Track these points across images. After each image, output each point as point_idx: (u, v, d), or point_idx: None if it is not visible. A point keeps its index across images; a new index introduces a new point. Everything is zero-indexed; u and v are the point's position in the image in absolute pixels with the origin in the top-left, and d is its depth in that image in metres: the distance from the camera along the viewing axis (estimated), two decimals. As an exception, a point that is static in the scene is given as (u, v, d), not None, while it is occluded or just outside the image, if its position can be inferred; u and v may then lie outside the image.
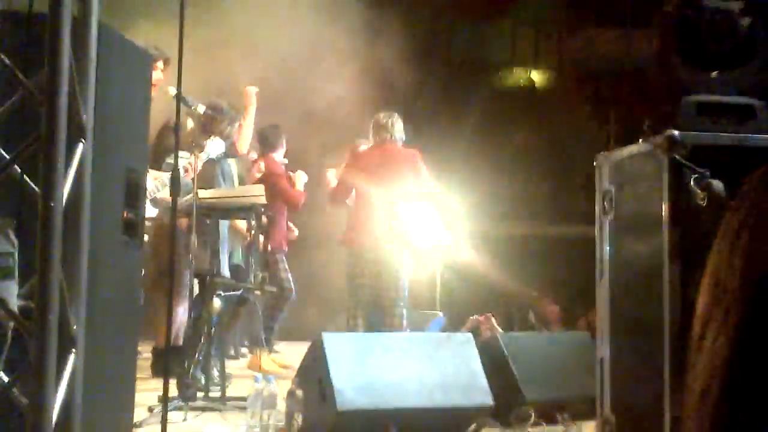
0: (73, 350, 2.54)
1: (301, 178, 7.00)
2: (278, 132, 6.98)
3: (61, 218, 2.33)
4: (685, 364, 2.67)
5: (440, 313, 9.37)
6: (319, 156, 8.03)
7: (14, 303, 2.47)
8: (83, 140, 2.57)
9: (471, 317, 8.87)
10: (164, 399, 2.86)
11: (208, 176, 5.51)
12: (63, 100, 2.33)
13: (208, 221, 5.01)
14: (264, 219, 5.33)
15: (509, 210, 17.03)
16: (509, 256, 12.73)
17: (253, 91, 6.30)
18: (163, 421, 2.85)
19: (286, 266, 6.84)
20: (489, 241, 12.98)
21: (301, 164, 7.33)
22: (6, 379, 2.44)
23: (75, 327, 2.55)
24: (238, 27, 7.58)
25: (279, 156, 6.88)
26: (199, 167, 5.38)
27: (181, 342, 6.25)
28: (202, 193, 4.79)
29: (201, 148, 5.34)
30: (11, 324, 2.48)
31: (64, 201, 2.39)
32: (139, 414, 4.30)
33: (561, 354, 4.81)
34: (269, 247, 6.56)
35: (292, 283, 6.81)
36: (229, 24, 7.65)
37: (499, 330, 8.33)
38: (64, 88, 2.33)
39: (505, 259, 12.03)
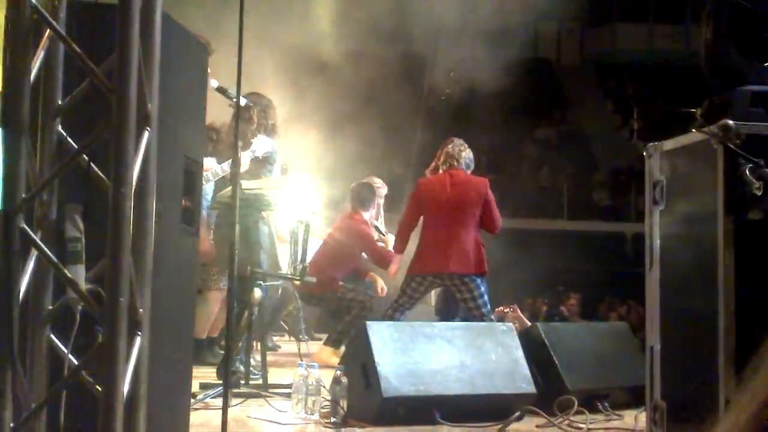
0: (139, 333, 2.60)
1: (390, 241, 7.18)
2: (373, 192, 7.16)
3: (132, 205, 2.38)
4: (739, 351, 2.70)
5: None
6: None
7: (83, 286, 2.53)
8: (149, 128, 2.62)
9: (497, 309, 8.94)
10: (225, 385, 2.91)
11: (255, 175, 5.56)
12: (133, 89, 2.37)
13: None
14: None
15: (531, 206, 17.11)
16: (530, 250, 12.77)
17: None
18: (224, 407, 2.91)
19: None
20: (511, 235, 13.04)
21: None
22: (76, 361, 2.50)
23: (141, 311, 2.61)
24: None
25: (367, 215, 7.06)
26: (247, 165, 5.43)
27: (216, 333, 6.35)
28: (244, 184, 4.84)
29: (247, 146, 5.40)
30: (79, 307, 2.54)
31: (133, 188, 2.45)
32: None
33: (600, 344, 4.84)
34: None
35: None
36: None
37: (526, 321, 8.38)
38: (134, 77, 2.38)
39: (527, 254, 12.09)
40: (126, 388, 2.46)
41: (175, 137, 2.91)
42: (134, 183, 2.48)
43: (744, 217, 2.76)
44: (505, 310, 8.90)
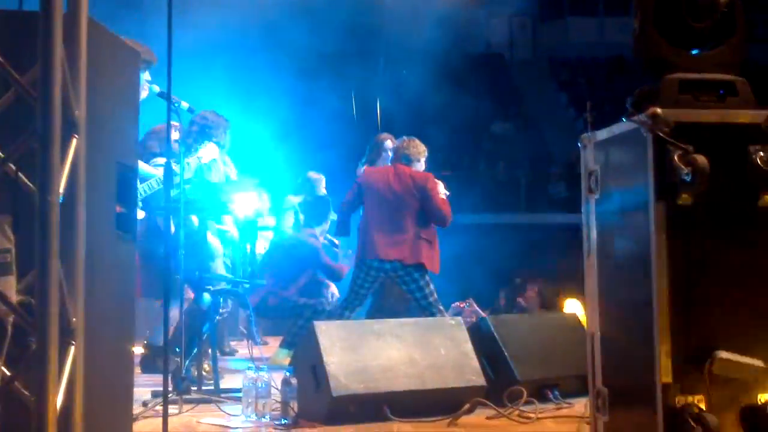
0: (73, 343, 2.57)
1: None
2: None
3: (59, 213, 2.36)
4: (674, 335, 2.73)
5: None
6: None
7: (13, 298, 2.50)
8: (77, 135, 2.60)
9: (453, 304, 8.98)
10: (164, 392, 2.89)
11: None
12: (57, 96, 2.35)
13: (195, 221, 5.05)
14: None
15: (488, 199, 17.18)
16: (489, 244, 12.82)
17: None
18: (164, 414, 2.88)
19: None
20: (471, 230, 13.08)
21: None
22: (8, 373, 2.47)
23: (74, 320, 2.59)
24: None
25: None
26: (191, 172, 5.41)
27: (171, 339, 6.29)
28: (188, 190, 4.82)
29: (194, 152, 5.39)
30: (11, 319, 2.51)
31: (60, 196, 2.42)
32: (134, 409, 4.35)
33: (549, 334, 4.87)
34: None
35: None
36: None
37: (482, 313, 8.43)
38: (58, 84, 2.36)
39: (486, 247, 12.15)
40: (60, 398, 2.44)
41: (106, 144, 2.88)
42: (62, 191, 2.47)
43: (675, 203, 2.79)
44: (462, 305, 8.97)
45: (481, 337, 4.60)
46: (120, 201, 2.97)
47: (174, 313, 6.02)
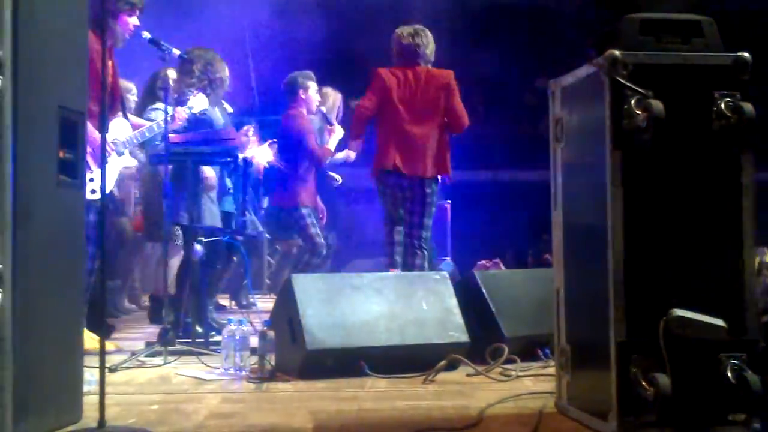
0: (0, 290, 2.53)
1: (337, 135, 7.00)
2: (303, 77, 6.93)
3: (-27, 154, 2.30)
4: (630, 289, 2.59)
5: (448, 259, 9.34)
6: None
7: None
8: (1, 76, 2.53)
9: (479, 262, 8.84)
10: (102, 347, 2.82)
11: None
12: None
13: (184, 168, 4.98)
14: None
15: (528, 155, 16.88)
16: (527, 201, 12.59)
17: None
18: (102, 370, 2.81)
19: (314, 221, 6.83)
20: (513, 186, 12.91)
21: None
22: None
23: (1, 266, 2.54)
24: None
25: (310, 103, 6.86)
26: (184, 122, 5.33)
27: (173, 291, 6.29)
28: (173, 138, 4.74)
29: (183, 102, 5.31)
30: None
31: (-22, 137, 2.36)
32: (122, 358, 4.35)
33: (542, 290, 4.70)
34: (296, 203, 6.60)
35: (322, 239, 6.78)
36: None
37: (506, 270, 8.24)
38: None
39: (511, 205, 11.96)
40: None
41: (46, 87, 2.80)
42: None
43: (631, 151, 2.63)
44: (488, 264, 8.82)
45: (469, 292, 4.47)
46: (64, 146, 2.90)
47: (175, 262, 6.02)
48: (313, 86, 6.89)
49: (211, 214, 5.32)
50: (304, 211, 6.69)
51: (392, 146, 5.83)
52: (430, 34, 5.98)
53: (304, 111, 6.84)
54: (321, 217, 7.11)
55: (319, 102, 6.97)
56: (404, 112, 5.82)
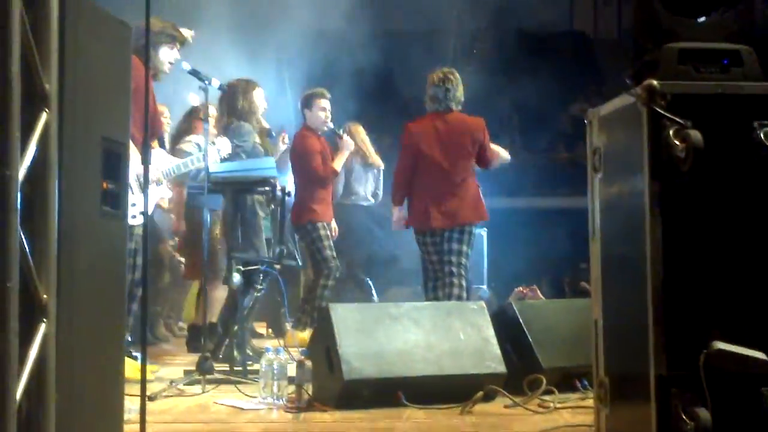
0: (44, 320, 2.55)
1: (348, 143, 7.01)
2: (311, 95, 6.93)
3: (18, 186, 2.34)
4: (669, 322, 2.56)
5: (484, 287, 9.29)
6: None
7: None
8: (47, 110, 2.58)
9: (516, 289, 8.78)
10: (142, 375, 2.85)
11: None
12: (14, 68, 2.32)
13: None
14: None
15: (565, 182, 16.79)
16: (551, 229, 12.52)
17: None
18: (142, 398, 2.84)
19: (329, 237, 6.77)
20: (549, 214, 12.84)
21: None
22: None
23: (45, 297, 2.57)
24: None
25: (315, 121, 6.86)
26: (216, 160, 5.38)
27: (215, 319, 6.32)
28: (212, 167, 4.79)
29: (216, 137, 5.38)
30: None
31: (23, 170, 2.40)
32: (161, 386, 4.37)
33: (580, 320, 4.67)
34: (307, 220, 6.58)
35: (335, 258, 6.70)
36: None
37: (544, 300, 8.18)
38: (15, 56, 2.33)
39: (549, 232, 11.88)
40: (24, 377, 2.43)
41: (90, 119, 2.85)
42: (28, 165, 2.45)
43: (670, 182, 2.61)
44: (525, 291, 8.76)
45: (506, 322, 4.46)
46: (107, 177, 2.94)
47: (219, 293, 6.06)
48: (318, 103, 6.83)
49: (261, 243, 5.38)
50: (319, 228, 6.72)
51: (430, 205, 5.94)
52: (458, 76, 6.12)
53: (308, 130, 6.85)
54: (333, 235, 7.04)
55: (326, 118, 6.91)
56: (437, 164, 5.94)
